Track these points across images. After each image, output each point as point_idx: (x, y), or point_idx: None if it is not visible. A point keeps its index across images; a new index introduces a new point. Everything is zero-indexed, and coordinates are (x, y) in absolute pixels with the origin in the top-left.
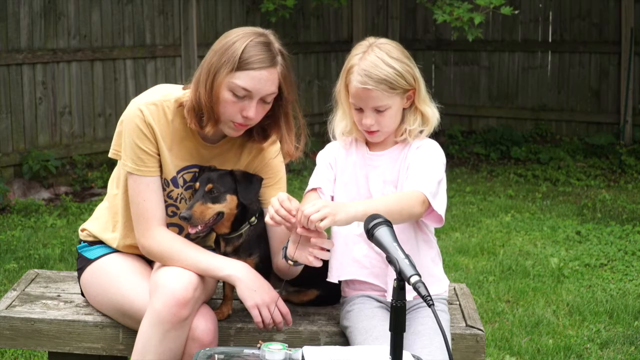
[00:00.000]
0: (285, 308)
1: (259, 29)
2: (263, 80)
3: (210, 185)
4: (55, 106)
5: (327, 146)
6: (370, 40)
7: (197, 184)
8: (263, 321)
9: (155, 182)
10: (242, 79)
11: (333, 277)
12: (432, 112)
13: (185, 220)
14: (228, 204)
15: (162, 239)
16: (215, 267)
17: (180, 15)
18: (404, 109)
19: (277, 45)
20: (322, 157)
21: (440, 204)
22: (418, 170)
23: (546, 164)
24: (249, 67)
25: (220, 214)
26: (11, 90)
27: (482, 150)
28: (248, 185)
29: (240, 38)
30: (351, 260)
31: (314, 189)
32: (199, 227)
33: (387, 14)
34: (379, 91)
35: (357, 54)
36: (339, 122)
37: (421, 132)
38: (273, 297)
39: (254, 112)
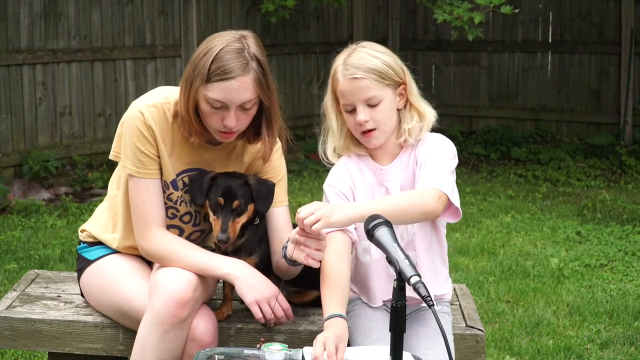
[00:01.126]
0: (285, 303)
1: (238, 32)
2: (234, 90)
3: (237, 203)
4: (55, 106)
5: (335, 174)
6: (353, 45)
7: (221, 200)
8: (264, 317)
9: (155, 184)
10: (214, 91)
11: (377, 301)
12: (427, 108)
13: (224, 243)
14: (247, 213)
15: (161, 240)
16: (214, 265)
17: (180, 15)
18: (398, 110)
19: (253, 49)
20: (332, 190)
21: (456, 198)
22: (429, 166)
23: (546, 164)
24: (218, 78)
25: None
26: (11, 90)
27: (482, 150)
28: (265, 194)
29: (212, 47)
30: (389, 278)
31: (341, 229)
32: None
33: (387, 15)
34: (369, 80)
35: (341, 57)
36: (330, 142)
37: (421, 130)
38: (273, 292)
39: (233, 121)
